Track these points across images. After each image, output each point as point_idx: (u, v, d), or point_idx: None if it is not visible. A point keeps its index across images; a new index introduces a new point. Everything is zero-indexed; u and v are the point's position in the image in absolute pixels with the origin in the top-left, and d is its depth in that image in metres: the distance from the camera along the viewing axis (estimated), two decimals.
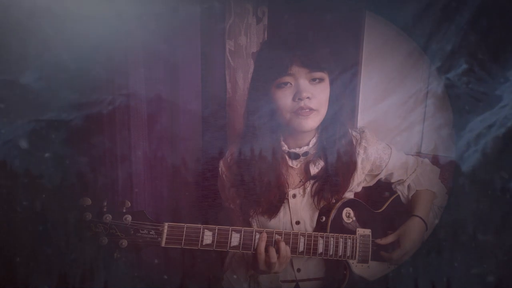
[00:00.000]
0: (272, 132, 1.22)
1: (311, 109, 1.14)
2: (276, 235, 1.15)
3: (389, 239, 1.25)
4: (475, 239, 1.19)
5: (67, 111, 1.09)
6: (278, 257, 1.13)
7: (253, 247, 1.14)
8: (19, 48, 1.07)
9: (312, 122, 1.16)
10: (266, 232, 1.15)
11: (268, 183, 1.21)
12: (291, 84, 1.15)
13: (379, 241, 1.25)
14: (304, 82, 1.14)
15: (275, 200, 1.21)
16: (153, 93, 1.27)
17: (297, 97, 1.14)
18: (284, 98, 1.15)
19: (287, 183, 1.23)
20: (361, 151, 1.26)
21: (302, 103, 1.14)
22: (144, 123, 1.26)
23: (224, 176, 1.25)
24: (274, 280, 1.21)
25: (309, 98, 1.14)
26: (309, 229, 1.23)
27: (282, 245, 1.14)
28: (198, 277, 1.27)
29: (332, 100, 1.20)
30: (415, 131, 1.37)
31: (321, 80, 1.16)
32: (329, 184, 1.23)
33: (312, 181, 1.24)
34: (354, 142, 1.26)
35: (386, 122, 1.36)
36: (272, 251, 1.13)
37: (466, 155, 1.15)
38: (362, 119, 1.42)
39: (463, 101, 1.16)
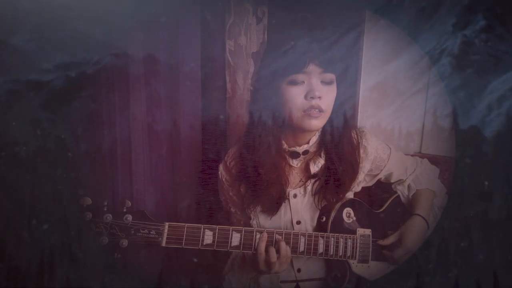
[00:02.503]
0: (274, 130, 1.22)
1: (320, 110, 1.16)
2: (277, 235, 1.16)
3: (391, 239, 1.25)
4: (503, 212, 1.12)
5: (54, 72, 1.04)
6: (279, 257, 1.14)
7: (254, 247, 1.14)
8: (10, 8, 1.04)
9: (319, 123, 1.19)
10: (266, 232, 1.15)
11: (269, 179, 1.21)
12: (303, 82, 1.16)
13: (381, 242, 1.25)
14: (316, 82, 1.16)
15: (276, 197, 1.22)
16: (150, 56, 1.23)
17: (309, 95, 1.15)
18: (296, 96, 1.16)
19: (288, 180, 1.24)
20: (361, 151, 1.26)
21: (313, 102, 1.15)
22: (142, 86, 1.23)
23: (224, 179, 1.26)
24: (275, 280, 1.21)
25: (320, 98, 1.16)
26: (310, 229, 1.23)
27: (283, 245, 1.15)
28: (178, 273, 1.25)
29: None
30: (429, 93, 1.29)
31: (330, 82, 1.18)
32: (330, 183, 1.23)
33: (312, 180, 1.24)
34: (355, 142, 1.26)
35: (395, 84, 1.30)
36: (272, 251, 1.13)
37: (488, 119, 1.09)
38: (366, 81, 1.34)
39: (482, 60, 1.10)
